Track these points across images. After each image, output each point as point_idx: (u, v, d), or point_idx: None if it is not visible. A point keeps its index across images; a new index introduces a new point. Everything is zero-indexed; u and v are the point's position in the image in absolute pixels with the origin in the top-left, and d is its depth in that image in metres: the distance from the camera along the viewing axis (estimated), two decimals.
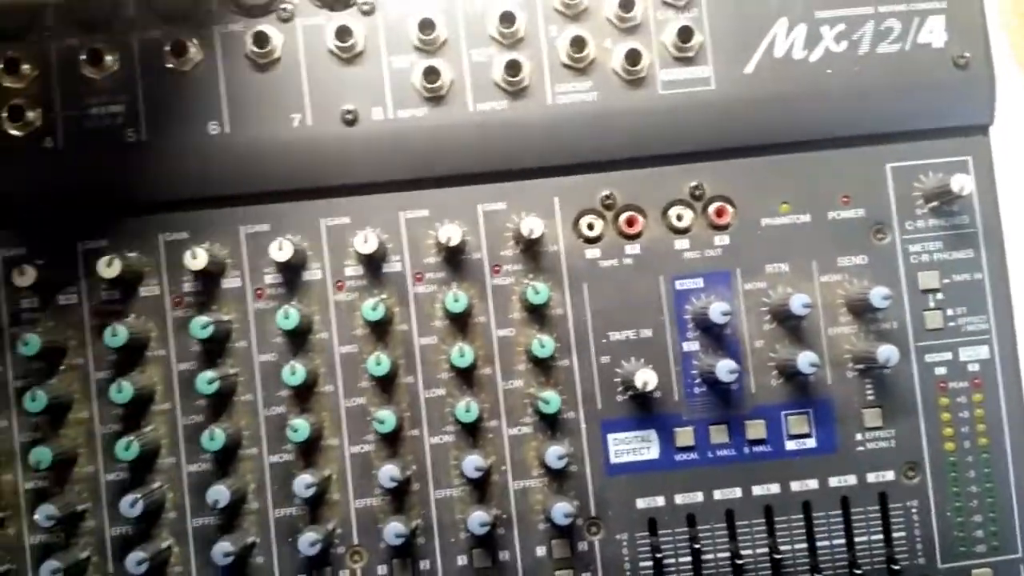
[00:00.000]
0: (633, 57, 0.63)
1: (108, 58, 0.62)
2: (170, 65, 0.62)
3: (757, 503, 0.63)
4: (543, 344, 0.61)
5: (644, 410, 0.63)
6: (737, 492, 0.63)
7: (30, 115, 0.62)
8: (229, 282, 0.63)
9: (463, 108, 0.63)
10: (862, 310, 0.63)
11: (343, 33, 0.62)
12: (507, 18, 0.62)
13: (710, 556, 0.63)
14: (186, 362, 0.62)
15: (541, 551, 0.62)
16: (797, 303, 0.60)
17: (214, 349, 0.62)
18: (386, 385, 0.63)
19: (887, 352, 0.60)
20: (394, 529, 0.59)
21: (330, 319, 0.63)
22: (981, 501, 0.64)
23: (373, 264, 0.63)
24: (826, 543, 0.63)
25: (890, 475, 0.63)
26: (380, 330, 0.63)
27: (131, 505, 0.58)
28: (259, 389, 0.62)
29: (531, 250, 0.64)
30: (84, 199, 0.63)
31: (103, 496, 0.62)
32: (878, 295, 0.61)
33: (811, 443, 0.64)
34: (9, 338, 0.62)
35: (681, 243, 0.64)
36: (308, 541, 0.59)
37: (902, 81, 0.65)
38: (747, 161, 0.65)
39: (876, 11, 0.65)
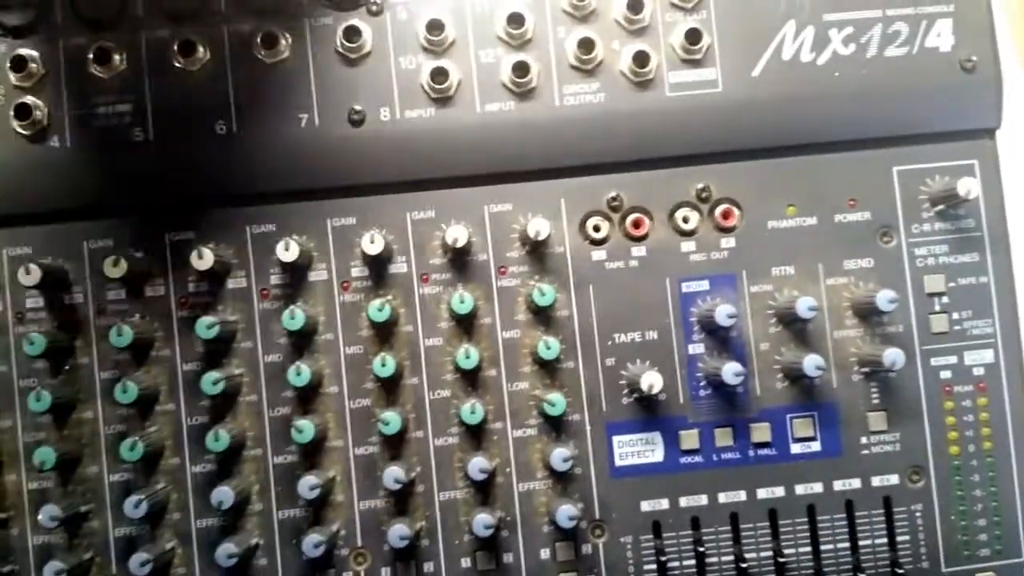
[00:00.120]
0: (641, 59, 0.63)
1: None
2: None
3: (761, 506, 0.63)
4: (549, 346, 0.61)
5: (649, 412, 0.63)
6: (742, 495, 0.63)
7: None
8: (235, 282, 0.63)
9: (471, 109, 0.63)
10: (868, 313, 0.63)
11: (351, 33, 0.62)
12: (515, 19, 0.62)
13: (714, 559, 0.63)
14: (191, 362, 0.62)
15: (545, 553, 0.62)
16: (803, 306, 0.60)
17: (219, 349, 0.62)
18: (391, 386, 0.63)
19: (892, 355, 0.60)
20: (398, 531, 0.59)
21: (336, 320, 0.63)
22: (985, 505, 0.64)
23: (379, 265, 0.63)
24: (830, 547, 0.63)
25: (895, 479, 0.63)
26: (385, 331, 0.63)
27: (135, 506, 0.58)
28: (264, 390, 0.62)
29: (537, 251, 0.64)
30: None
31: (107, 497, 0.61)
32: (884, 298, 0.61)
33: (816, 446, 0.64)
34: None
35: (687, 245, 0.64)
36: (312, 543, 0.58)
37: (909, 84, 0.65)
38: (754, 164, 0.65)
39: (884, 14, 0.65)
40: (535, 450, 0.63)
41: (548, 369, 0.63)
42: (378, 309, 0.60)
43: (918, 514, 0.63)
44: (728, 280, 0.64)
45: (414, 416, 0.63)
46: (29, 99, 0.61)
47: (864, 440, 0.64)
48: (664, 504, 0.63)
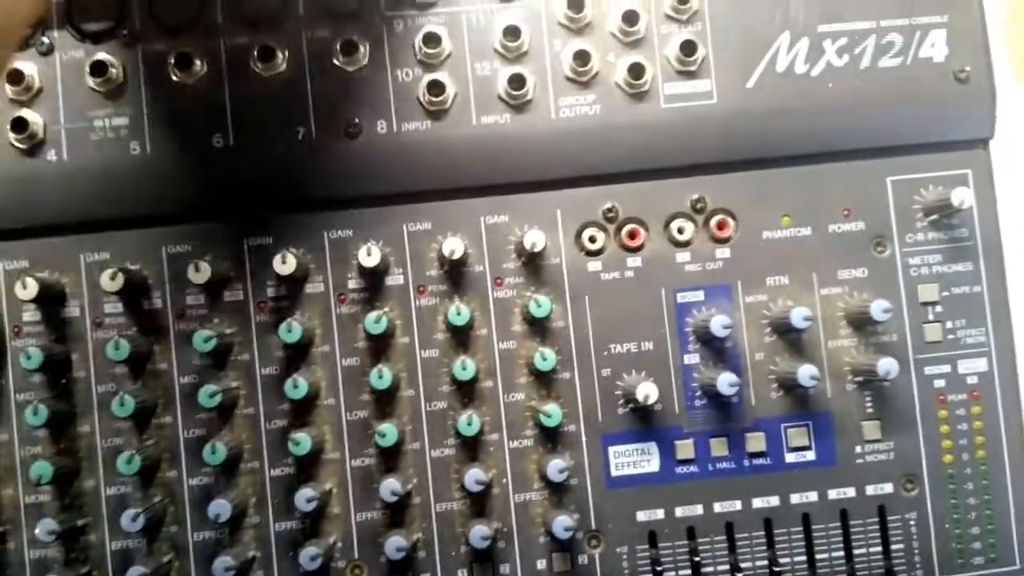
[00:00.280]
0: (636, 71, 0.63)
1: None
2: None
3: (757, 516, 0.63)
4: (545, 357, 0.61)
5: (645, 423, 0.63)
6: (737, 505, 0.63)
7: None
8: (232, 295, 0.63)
9: (467, 121, 0.63)
10: (862, 323, 0.64)
11: (347, 46, 0.62)
12: (511, 32, 0.62)
13: (710, 569, 0.63)
14: (188, 375, 0.62)
15: (542, 564, 0.63)
16: (798, 316, 0.61)
17: (216, 362, 0.62)
18: (388, 398, 0.63)
19: (887, 365, 0.60)
20: (395, 543, 0.59)
21: (332, 332, 0.63)
22: (979, 513, 0.64)
23: (376, 277, 0.63)
24: (825, 555, 0.63)
25: (889, 487, 0.64)
26: (382, 343, 0.63)
27: (132, 519, 0.58)
28: (261, 402, 0.62)
29: (533, 263, 0.64)
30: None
31: (104, 510, 0.61)
32: (878, 308, 0.61)
33: (811, 455, 0.64)
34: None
35: (682, 256, 0.64)
36: (309, 555, 0.59)
37: (903, 95, 0.65)
38: (748, 174, 0.65)
39: (878, 25, 0.65)
40: (531, 461, 0.63)
41: (544, 380, 0.63)
42: (375, 321, 0.60)
43: (912, 523, 0.64)
44: (723, 290, 0.64)
45: (410, 428, 0.63)
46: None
47: (858, 449, 0.64)
48: (660, 514, 0.63)
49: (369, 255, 0.60)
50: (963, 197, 0.62)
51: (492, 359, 0.63)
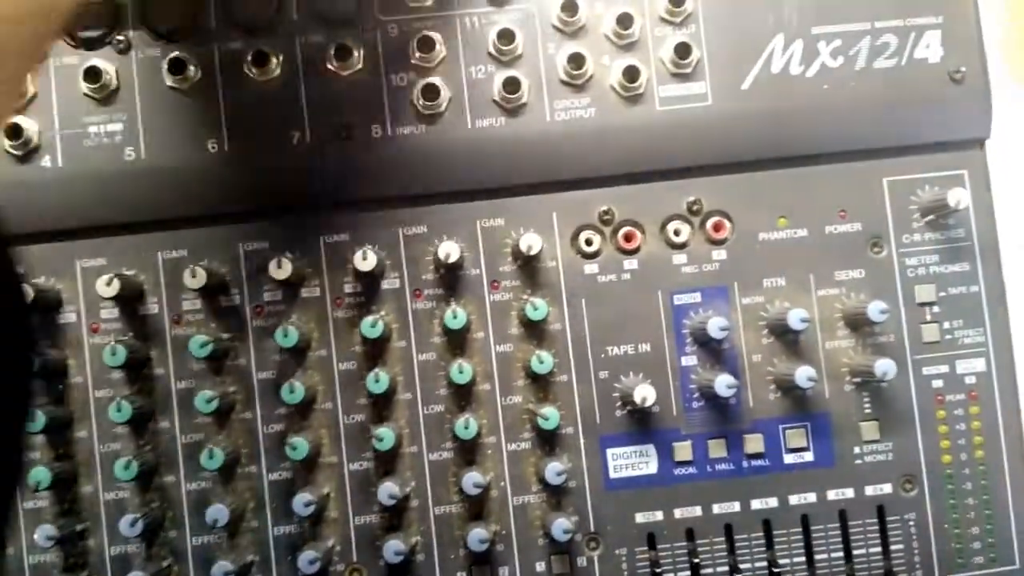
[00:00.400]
0: (631, 73, 0.63)
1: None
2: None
3: (756, 517, 0.63)
4: (542, 360, 0.61)
5: (643, 425, 0.63)
6: (736, 506, 0.63)
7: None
8: (228, 300, 0.63)
9: (462, 125, 0.63)
10: (859, 324, 0.64)
11: (341, 51, 0.62)
12: (506, 35, 0.62)
13: (709, 570, 0.63)
14: (184, 380, 0.62)
15: (540, 567, 0.62)
16: (795, 317, 0.61)
17: (212, 367, 0.62)
18: (385, 402, 0.63)
19: (884, 366, 0.60)
20: (393, 546, 0.59)
21: (329, 336, 0.63)
22: (978, 513, 0.64)
23: (372, 281, 0.63)
24: (824, 556, 0.63)
25: (888, 488, 0.64)
26: (379, 347, 0.63)
27: (131, 524, 0.58)
28: (258, 407, 0.62)
29: (529, 266, 0.64)
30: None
31: (102, 516, 0.61)
32: (875, 309, 0.61)
33: (809, 456, 0.64)
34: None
35: (679, 258, 0.64)
36: (307, 559, 0.59)
37: (898, 96, 0.65)
38: (744, 176, 0.65)
39: (873, 27, 0.65)
40: (529, 464, 0.63)
41: (541, 383, 0.63)
42: (371, 325, 0.60)
43: (911, 523, 0.64)
44: (720, 292, 0.64)
45: (408, 431, 0.63)
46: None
47: (857, 450, 0.64)
48: (658, 516, 0.63)
49: (365, 259, 0.60)
50: (959, 197, 0.62)
51: (489, 362, 0.63)
